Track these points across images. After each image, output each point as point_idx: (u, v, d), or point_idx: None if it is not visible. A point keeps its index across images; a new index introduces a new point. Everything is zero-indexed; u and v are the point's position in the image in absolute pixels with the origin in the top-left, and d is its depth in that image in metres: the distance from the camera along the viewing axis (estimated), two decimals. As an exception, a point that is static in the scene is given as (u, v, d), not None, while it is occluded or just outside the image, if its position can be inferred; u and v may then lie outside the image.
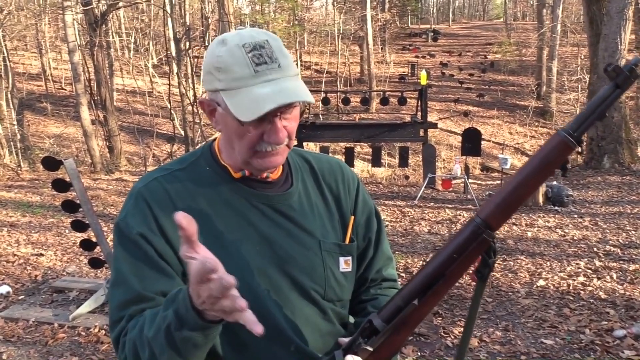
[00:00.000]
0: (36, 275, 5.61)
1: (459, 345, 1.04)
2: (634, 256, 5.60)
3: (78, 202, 4.27)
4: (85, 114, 14.91)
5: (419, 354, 3.65)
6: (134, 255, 1.03)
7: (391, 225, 7.41)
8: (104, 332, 4.12)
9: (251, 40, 1.01)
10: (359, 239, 1.24)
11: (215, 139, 1.17)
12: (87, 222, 4.33)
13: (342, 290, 1.18)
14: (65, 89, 25.60)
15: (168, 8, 17.21)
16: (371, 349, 0.95)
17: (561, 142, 0.88)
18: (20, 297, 4.98)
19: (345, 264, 1.18)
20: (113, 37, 24.87)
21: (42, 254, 6.37)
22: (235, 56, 1.00)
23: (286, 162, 1.20)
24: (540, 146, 0.92)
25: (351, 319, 1.25)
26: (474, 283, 0.98)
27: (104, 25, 16.17)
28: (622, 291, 4.64)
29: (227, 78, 1.00)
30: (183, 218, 0.78)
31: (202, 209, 1.07)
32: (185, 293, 0.85)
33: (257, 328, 0.80)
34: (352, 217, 1.23)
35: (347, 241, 1.20)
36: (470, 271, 0.96)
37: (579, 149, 0.88)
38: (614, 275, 5.03)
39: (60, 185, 4.21)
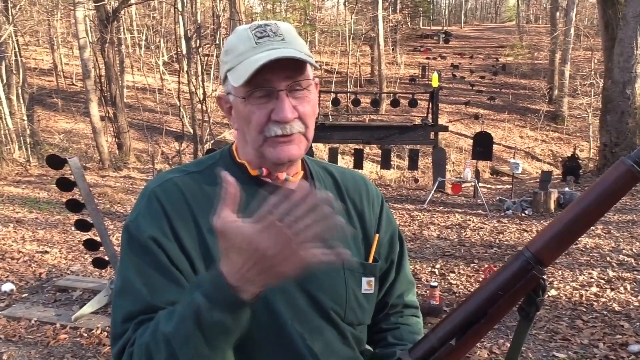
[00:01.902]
0: (40, 273, 5.57)
1: None
2: (648, 267, 5.48)
3: (83, 201, 4.21)
4: (95, 110, 14.92)
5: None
6: (144, 261, 0.94)
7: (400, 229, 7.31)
8: (106, 334, 4.07)
9: (260, 22, 0.99)
10: (381, 260, 1.16)
11: (234, 142, 1.12)
12: (91, 221, 4.27)
13: (363, 313, 1.11)
14: (76, 85, 25.66)
15: (179, 6, 17.18)
16: None
17: (627, 171, 0.77)
18: (23, 295, 4.94)
19: (367, 285, 1.10)
20: (124, 34, 24.91)
21: (47, 252, 6.34)
22: (241, 37, 0.98)
23: (308, 171, 1.13)
24: (602, 174, 0.81)
25: (367, 347, 1.16)
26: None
27: (115, 22, 16.17)
28: (636, 303, 4.52)
29: (232, 56, 0.98)
30: (226, 174, 0.78)
31: None
32: (216, 272, 0.80)
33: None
34: (377, 236, 1.15)
35: (370, 260, 1.12)
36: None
37: None
38: (628, 286, 4.90)
39: (65, 184, 4.16)
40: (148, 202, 1.00)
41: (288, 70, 0.94)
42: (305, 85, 0.98)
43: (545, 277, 0.82)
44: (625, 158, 0.77)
